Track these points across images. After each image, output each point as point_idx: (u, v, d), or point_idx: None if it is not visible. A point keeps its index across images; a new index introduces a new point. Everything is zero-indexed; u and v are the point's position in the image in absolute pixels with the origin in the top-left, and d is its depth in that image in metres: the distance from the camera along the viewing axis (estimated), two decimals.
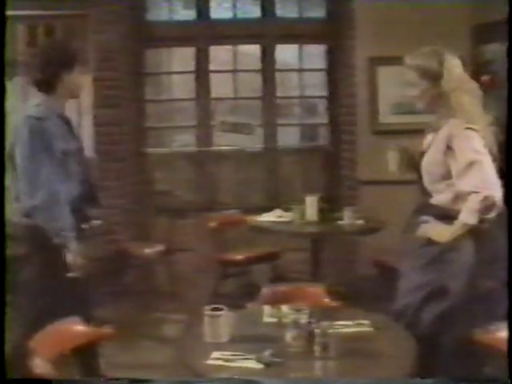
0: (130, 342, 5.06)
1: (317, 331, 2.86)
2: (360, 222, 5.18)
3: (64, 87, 3.61)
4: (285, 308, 3.31)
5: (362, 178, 6.20)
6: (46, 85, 3.59)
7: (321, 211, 5.21)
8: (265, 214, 5.52)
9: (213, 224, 5.74)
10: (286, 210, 5.46)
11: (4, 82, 3.38)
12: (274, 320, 3.27)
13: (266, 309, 3.40)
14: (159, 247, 5.98)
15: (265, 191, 6.75)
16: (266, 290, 3.73)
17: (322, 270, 5.44)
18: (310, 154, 6.89)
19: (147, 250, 5.93)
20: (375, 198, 5.89)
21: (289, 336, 2.97)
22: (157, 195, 6.68)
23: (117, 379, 2.88)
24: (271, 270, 5.95)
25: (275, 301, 3.50)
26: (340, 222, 5.19)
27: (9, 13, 6.15)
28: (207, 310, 3.04)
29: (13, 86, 6.68)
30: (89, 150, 6.55)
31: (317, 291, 3.71)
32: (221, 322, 3.01)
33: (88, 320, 3.23)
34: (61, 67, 3.57)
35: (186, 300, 5.84)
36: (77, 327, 3.17)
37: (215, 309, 3.05)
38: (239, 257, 5.70)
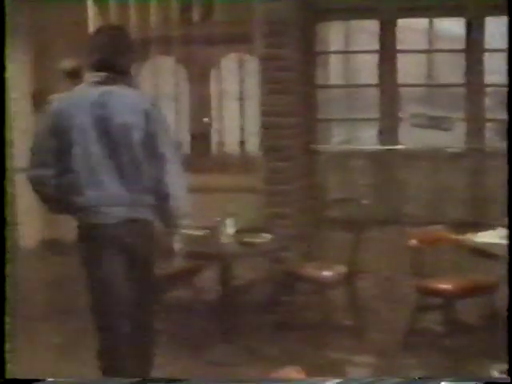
0: None
1: None
2: None
3: None
4: None
5: None
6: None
7: None
8: (482, 233, 4.77)
9: (413, 241, 4.98)
10: None
11: (4, 80, 3.46)
12: None
13: None
14: (339, 269, 5.23)
15: (467, 202, 5.97)
16: None
17: None
18: None
19: (325, 273, 5.19)
20: None
21: None
22: (331, 203, 6.18)
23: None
24: (481, 304, 5.09)
25: None
26: None
27: None
28: None
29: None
30: (253, 146, 6.02)
31: None
32: None
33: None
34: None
35: (371, 337, 5.18)
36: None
37: None
38: (446, 286, 4.86)
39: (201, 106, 6.83)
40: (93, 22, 6.54)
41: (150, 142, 3.55)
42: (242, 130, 6.30)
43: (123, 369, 3.58)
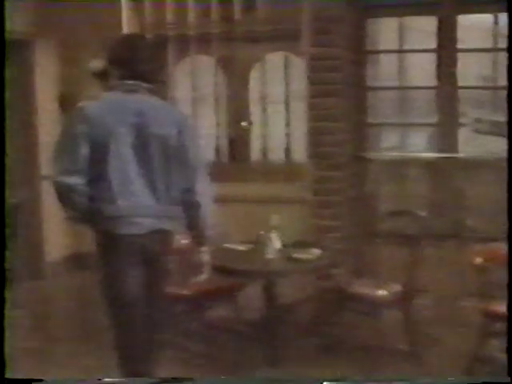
0: None
1: None
2: None
3: None
4: None
5: None
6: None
7: None
8: None
9: (478, 259, 4.65)
10: None
11: (4, 81, 3.59)
12: None
13: None
14: (394, 288, 4.93)
15: None
16: None
17: None
18: None
19: (379, 292, 4.88)
20: None
21: None
22: (384, 215, 5.80)
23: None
24: None
25: None
26: None
27: None
28: None
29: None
30: (299, 152, 5.72)
31: None
32: None
33: None
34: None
35: (429, 363, 4.82)
36: None
37: None
38: None
39: (241, 108, 6.53)
40: (127, 20, 6.30)
41: (182, 153, 3.64)
42: (287, 135, 5.96)
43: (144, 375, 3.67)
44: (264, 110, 6.23)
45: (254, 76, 6.49)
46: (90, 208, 3.53)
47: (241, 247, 4.79)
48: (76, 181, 3.48)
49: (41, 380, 2.90)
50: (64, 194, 3.52)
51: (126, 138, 3.52)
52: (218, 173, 6.21)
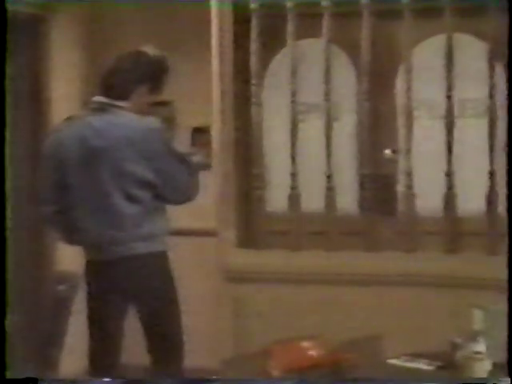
0: None
1: None
2: None
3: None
4: None
5: None
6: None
7: None
8: None
9: None
10: None
11: (4, 82, 3.74)
12: None
13: None
14: None
15: None
16: None
17: None
18: None
19: None
20: None
21: None
22: None
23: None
24: None
25: None
26: None
27: None
28: None
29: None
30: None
31: None
32: None
33: None
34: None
35: None
36: None
37: None
38: None
39: (380, 125, 4.94)
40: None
41: (148, 172, 3.84)
42: (492, 174, 4.34)
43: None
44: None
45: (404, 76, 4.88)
46: (64, 235, 4.04)
47: (424, 365, 3.42)
48: (51, 209, 3.95)
49: (39, 380, 3.18)
50: (46, 222, 4.17)
51: (82, 164, 3.81)
52: (356, 232, 4.64)
